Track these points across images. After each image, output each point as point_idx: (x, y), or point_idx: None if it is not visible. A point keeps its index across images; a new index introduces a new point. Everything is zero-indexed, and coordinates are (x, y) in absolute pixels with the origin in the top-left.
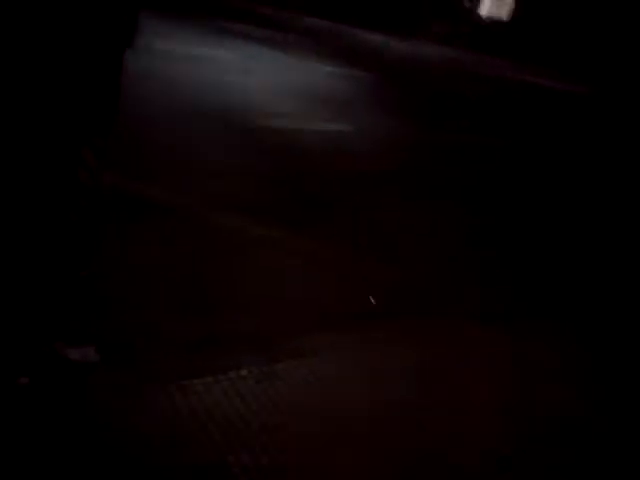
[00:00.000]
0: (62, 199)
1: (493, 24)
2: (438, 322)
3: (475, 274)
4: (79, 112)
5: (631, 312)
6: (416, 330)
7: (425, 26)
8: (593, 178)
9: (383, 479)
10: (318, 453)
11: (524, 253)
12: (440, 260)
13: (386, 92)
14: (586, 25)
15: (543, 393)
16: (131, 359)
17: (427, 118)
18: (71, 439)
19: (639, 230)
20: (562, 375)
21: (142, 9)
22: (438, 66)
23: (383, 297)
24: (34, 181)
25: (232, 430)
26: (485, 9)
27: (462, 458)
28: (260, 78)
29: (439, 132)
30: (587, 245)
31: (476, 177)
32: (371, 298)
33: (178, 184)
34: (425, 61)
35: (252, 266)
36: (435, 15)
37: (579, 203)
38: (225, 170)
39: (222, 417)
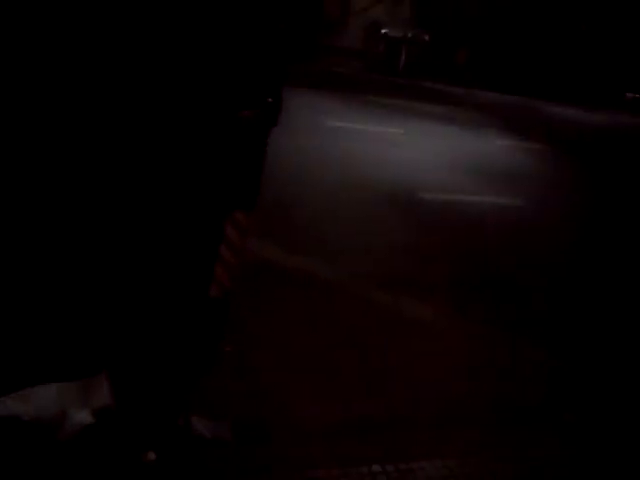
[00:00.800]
0: (205, 275)
1: None
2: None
3: None
4: (223, 188)
5: None
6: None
7: (616, 95)
8: None
9: None
10: None
11: None
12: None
13: (565, 166)
14: None
15: None
16: (264, 441)
17: (608, 196)
18: None
19: None
20: None
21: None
22: (629, 137)
23: (541, 398)
24: (178, 256)
25: None
26: None
27: None
28: (426, 153)
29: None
30: None
31: None
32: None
33: (330, 259)
34: (613, 133)
35: (402, 351)
36: (628, 82)
37: None
38: (382, 245)
39: None
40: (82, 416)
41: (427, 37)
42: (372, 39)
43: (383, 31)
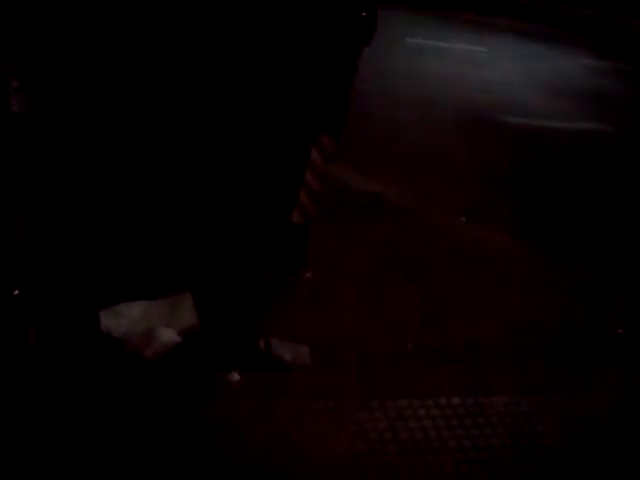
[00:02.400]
0: (288, 198)
1: None
2: None
3: None
4: (310, 111)
5: None
6: None
7: None
8: None
9: None
10: None
11: None
12: None
13: None
14: None
15: None
16: (342, 366)
17: None
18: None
19: None
20: None
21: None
22: None
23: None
24: (263, 179)
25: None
26: None
27: None
28: (509, 72)
29: None
30: None
31: None
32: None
33: (411, 184)
34: None
35: (478, 280)
36: None
37: None
38: (462, 171)
39: (421, 445)
40: (169, 335)
41: None
42: None
43: None
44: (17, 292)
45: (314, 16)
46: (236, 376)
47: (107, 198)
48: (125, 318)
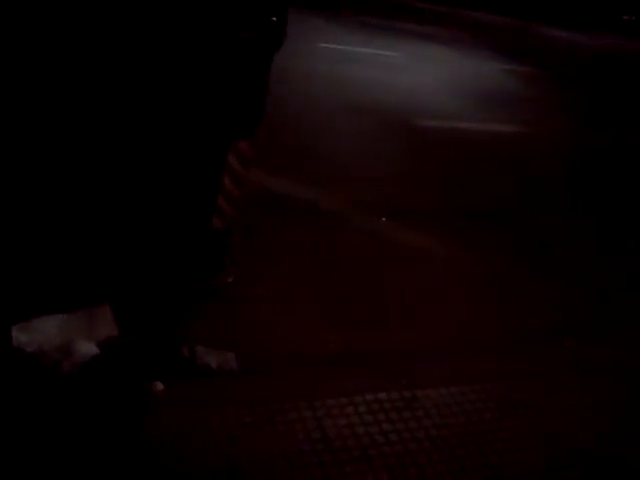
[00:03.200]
0: (206, 204)
1: None
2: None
3: None
4: (225, 116)
5: None
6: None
7: (612, 17)
8: None
9: None
10: None
11: None
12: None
13: (561, 91)
14: None
15: None
16: (268, 370)
17: (603, 120)
18: (194, 452)
19: None
20: None
21: (292, 6)
22: (626, 60)
23: (543, 319)
24: (181, 185)
25: (360, 456)
26: None
27: None
28: (422, 76)
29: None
30: None
31: None
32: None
33: (326, 186)
34: (610, 56)
35: (402, 278)
36: (623, 4)
37: None
38: (380, 173)
39: (351, 442)
40: (87, 347)
41: None
42: None
43: None
44: None
45: (224, 21)
46: (160, 386)
47: (17, 204)
48: (39, 332)
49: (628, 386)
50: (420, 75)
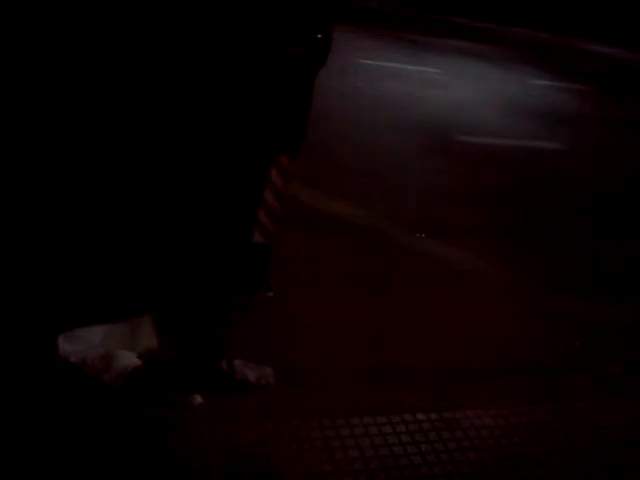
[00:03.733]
0: (248, 218)
1: None
2: None
3: None
4: (268, 132)
5: None
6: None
7: None
8: None
9: None
10: None
11: None
12: None
13: (604, 107)
14: None
15: None
16: (306, 386)
17: None
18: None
19: None
20: None
21: (336, 24)
22: None
23: (583, 339)
24: (223, 200)
25: (399, 477)
26: None
27: None
28: (464, 93)
29: None
30: None
31: None
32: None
33: (367, 202)
34: None
35: (439, 296)
36: None
37: None
38: (419, 189)
39: (388, 462)
40: (128, 358)
41: None
42: None
43: None
44: None
45: (270, 38)
46: (198, 399)
47: (64, 217)
48: (84, 342)
49: None
50: (462, 91)
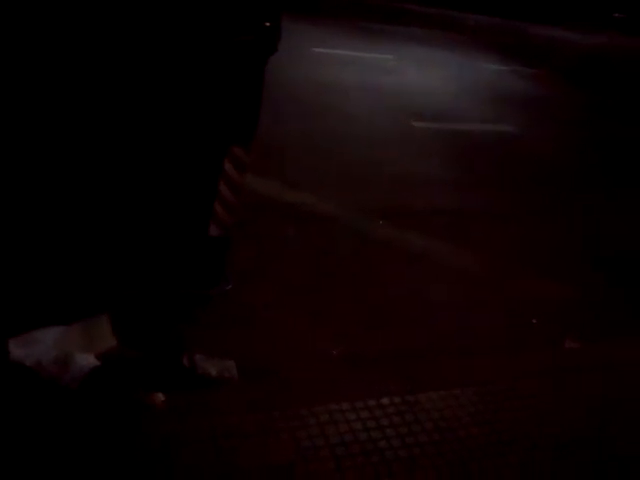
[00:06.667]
0: (203, 211)
1: None
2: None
3: None
4: (220, 122)
5: None
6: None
7: (604, 15)
8: None
9: None
10: None
11: None
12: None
13: (555, 90)
14: None
15: None
16: (269, 377)
17: (609, 114)
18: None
19: None
20: None
21: (289, 13)
22: (620, 58)
23: (543, 319)
24: (177, 193)
25: (364, 462)
26: None
27: None
28: (416, 78)
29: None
30: None
31: None
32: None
33: (322, 191)
34: (604, 54)
35: (402, 281)
36: (614, 2)
37: None
38: (378, 176)
39: (354, 449)
40: (86, 359)
41: None
42: None
43: None
44: None
45: (218, 26)
46: (160, 396)
47: (13, 213)
48: (37, 345)
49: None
50: (416, 77)
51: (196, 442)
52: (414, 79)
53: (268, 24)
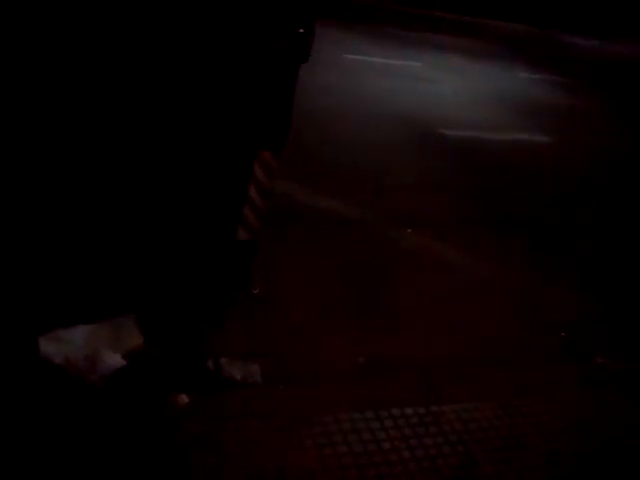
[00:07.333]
0: (232, 215)
1: None
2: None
3: None
4: (252, 127)
5: None
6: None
7: (634, 24)
8: None
9: None
10: None
11: None
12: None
13: (589, 99)
14: None
15: None
16: (294, 382)
17: (633, 124)
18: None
19: None
20: None
21: (319, 20)
22: None
23: (569, 331)
24: (206, 197)
25: (387, 473)
26: None
27: None
28: (446, 86)
29: None
30: None
31: None
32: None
33: (352, 197)
34: (629, 61)
35: (426, 288)
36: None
37: None
38: (404, 183)
39: (377, 458)
40: (113, 358)
41: None
42: None
43: None
44: None
45: (252, 32)
46: (184, 398)
47: (45, 217)
48: (66, 343)
49: None
50: (444, 85)
51: (218, 443)
52: (442, 87)
53: (301, 31)
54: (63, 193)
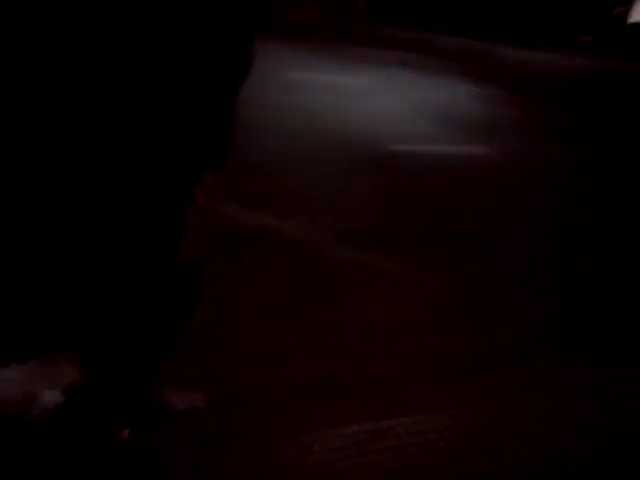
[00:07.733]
0: (169, 240)
1: None
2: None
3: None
4: (191, 147)
5: None
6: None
7: (571, 37)
8: None
9: None
10: None
11: None
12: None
13: (528, 111)
14: None
15: None
16: (243, 408)
17: (573, 139)
18: None
19: None
20: None
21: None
22: (584, 79)
23: (511, 340)
24: (142, 222)
25: None
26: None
27: None
28: (393, 102)
29: (586, 153)
30: None
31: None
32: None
33: (293, 216)
34: (569, 75)
35: (365, 304)
36: (581, 24)
37: None
38: (351, 199)
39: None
40: (51, 395)
41: None
42: None
43: None
44: None
45: (190, 52)
46: (126, 432)
47: None
48: (1, 382)
49: None
50: (391, 101)
51: (160, 478)
52: (387, 103)
53: (242, 50)
54: None
